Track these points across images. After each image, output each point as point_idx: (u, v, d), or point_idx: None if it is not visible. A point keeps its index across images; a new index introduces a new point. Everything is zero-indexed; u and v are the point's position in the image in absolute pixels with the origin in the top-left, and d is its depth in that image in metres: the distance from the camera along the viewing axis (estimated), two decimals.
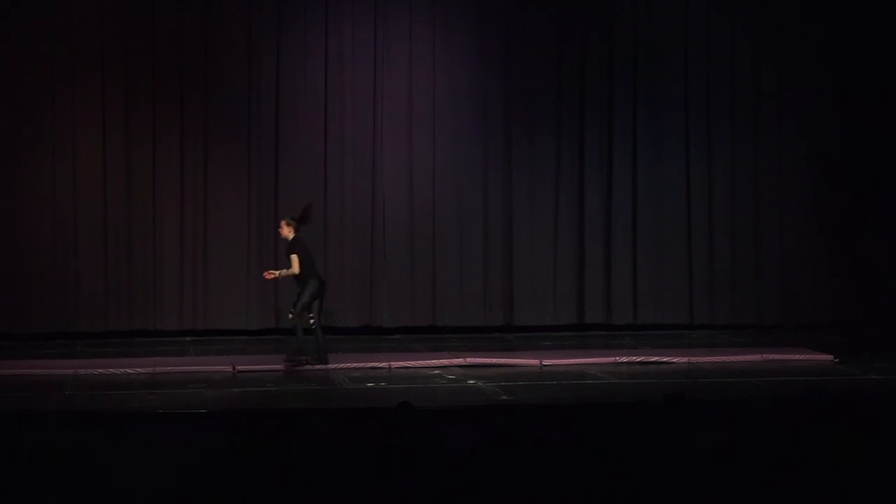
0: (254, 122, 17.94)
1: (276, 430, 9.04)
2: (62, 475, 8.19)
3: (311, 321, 15.21)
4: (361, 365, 15.47)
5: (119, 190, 17.67)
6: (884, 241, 18.71)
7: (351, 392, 14.12)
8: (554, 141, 18.54)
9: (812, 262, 18.88)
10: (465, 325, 18.29)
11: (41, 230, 17.52)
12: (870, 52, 18.77)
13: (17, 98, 17.42)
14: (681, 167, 18.76)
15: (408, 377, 14.94)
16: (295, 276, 15.11)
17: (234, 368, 15.20)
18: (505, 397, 13.69)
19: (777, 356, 16.08)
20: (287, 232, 15.25)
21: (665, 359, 16.01)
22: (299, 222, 15.22)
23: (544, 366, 15.61)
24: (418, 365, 15.57)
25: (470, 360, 15.68)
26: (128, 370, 15.11)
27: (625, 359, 15.99)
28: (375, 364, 15.54)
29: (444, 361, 15.64)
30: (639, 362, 15.94)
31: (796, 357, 16.12)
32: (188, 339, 17.66)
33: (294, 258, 15.06)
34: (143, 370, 15.15)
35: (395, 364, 15.55)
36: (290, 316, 15.21)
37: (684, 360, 15.98)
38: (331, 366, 15.27)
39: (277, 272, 15.38)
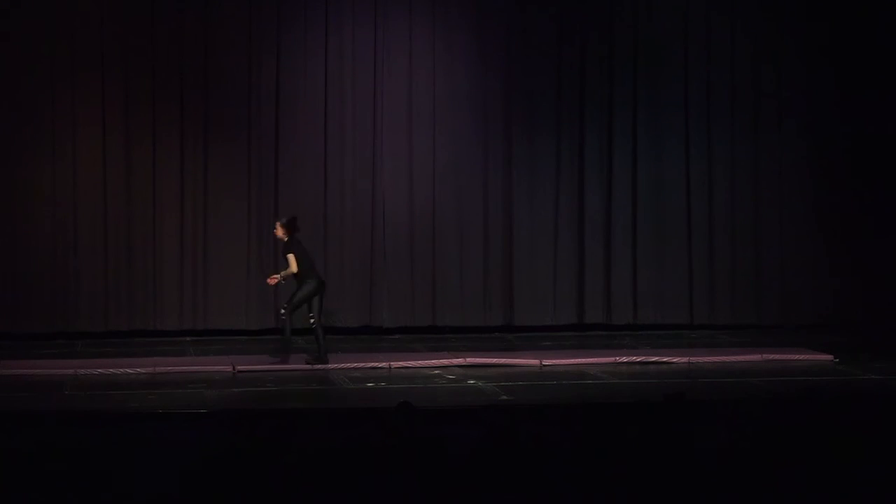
0: (254, 122, 17.94)
1: (276, 430, 9.04)
2: (62, 475, 8.18)
3: (312, 321, 15.23)
4: (361, 365, 15.47)
5: (119, 190, 17.67)
6: (884, 241, 18.71)
7: (351, 392, 14.12)
8: (554, 141, 18.54)
9: (812, 262, 18.88)
10: (465, 325, 18.29)
11: (41, 230, 17.52)
12: (870, 52, 18.77)
13: (17, 98, 17.42)
14: (681, 167, 18.76)
15: (408, 377, 14.95)
16: (294, 274, 15.14)
17: (234, 368, 15.20)
18: (505, 397, 13.69)
19: (777, 356, 16.08)
20: (282, 233, 15.31)
21: (665, 359, 16.01)
22: (290, 228, 15.31)
23: (544, 366, 15.61)
24: (418, 365, 15.57)
25: (470, 360, 15.68)
26: (128, 370, 15.11)
27: (625, 359, 15.99)
28: (375, 364, 15.54)
29: (444, 361, 15.64)
30: (639, 362, 15.94)
31: (796, 357, 16.12)
32: (188, 339, 17.66)
33: (291, 257, 15.12)
34: (143, 370, 15.15)
35: (395, 364, 15.56)
36: (282, 311, 15.27)
37: (684, 360, 15.98)
38: (331, 366, 15.28)
39: (279, 276, 15.40)
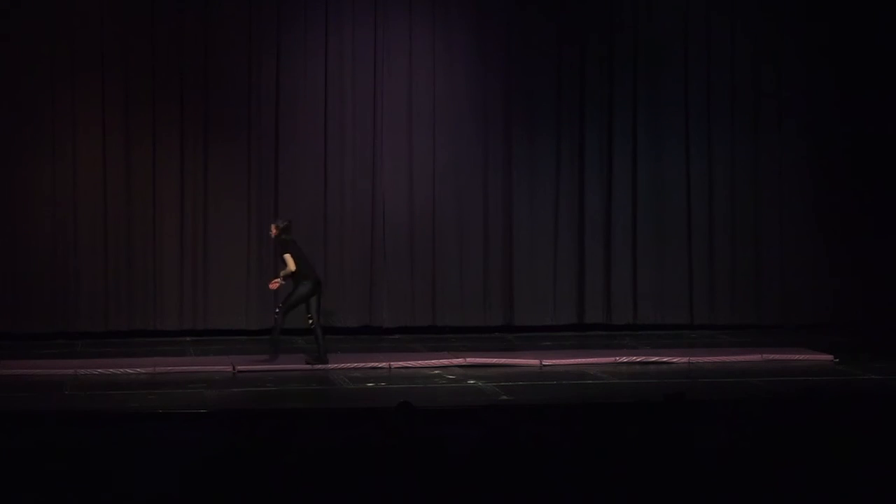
0: (254, 122, 17.94)
1: (276, 430, 9.04)
2: (62, 475, 8.18)
3: (310, 321, 15.25)
4: (361, 365, 15.47)
5: (119, 190, 17.67)
6: (884, 241, 18.71)
7: (351, 392, 14.12)
8: (554, 141, 18.54)
9: (812, 262, 18.89)
10: (465, 325, 18.29)
11: (41, 230, 17.52)
12: (870, 52, 18.77)
13: (17, 98, 17.42)
14: (681, 167, 18.76)
15: (408, 377, 14.95)
16: (291, 273, 15.16)
17: (234, 368, 15.20)
18: (505, 397, 13.69)
19: (777, 356, 16.08)
20: (276, 235, 15.36)
21: (665, 359, 16.01)
22: (285, 231, 15.36)
23: (544, 366, 15.61)
24: (418, 365, 15.57)
25: (470, 360, 15.68)
26: (128, 370, 15.11)
27: (625, 359, 15.99)
28: (375, 364, 15.54)
29: (444, 361, 15.64)
30: (639, 362, 15.94)
31: (796, 357, 16.12)
32: (188, 339, 17.67)
33: (287, 257, 15.18)
34: (143, 370, 15.15)
35: (395, 364, 15.56)
36: (277, 311, 15.30)
37: (684, 360, 15.98)
38: (331, 366, 15.28)
39: (279, 278, 15.40)
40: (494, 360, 15.85)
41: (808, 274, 18.87)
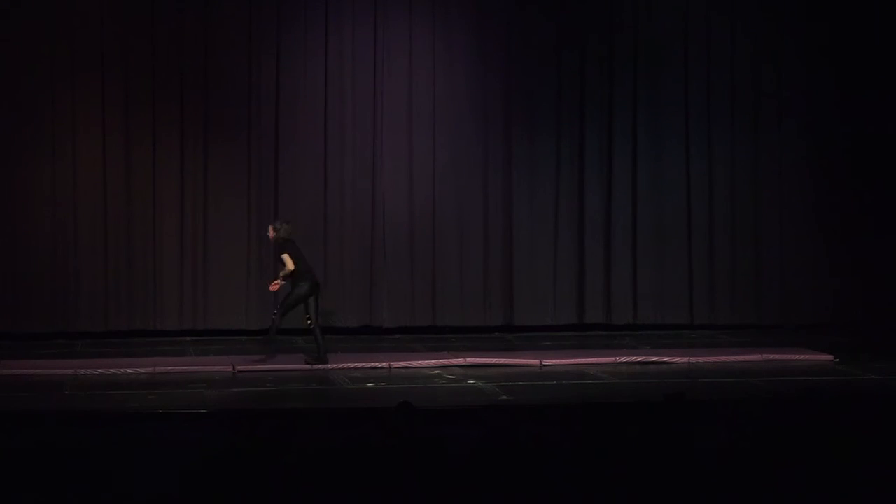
0: (254, 122, 17.94)
1: (276, 430, 9.03)
2: (62, 475, 8.18)
3: (308, 322, 15.25)
4: (361, 365, 15.47)
5: (119, 190, 17.67)
6: (884, 241, 18.71)
7: (351, 392, 14.12)
8: (554, 141, 18.54)
9: (812, 262, 18.89)
10: (465, 325, 18.29)
11: (41, 230, 17.52)
12: (870, 52, 18.77)
13: (17, 98, 17.42)
14: (681, 167, 18.76)
15: (408, 377, 14.95)
16: (290, 273, 15.16)
17: (234, 368, 15.20)
18: (505, 397, 13.69)
19: (777, 356, 16.08)
20: (274, 236, 15.37)
21: (665, 359, 16.01)
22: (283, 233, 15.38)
23: (544, 366, 15.61)
24: (418, 365, 15.57)
25: (470, 360, 15.68)
26: (128, 370, 15.11)
27: (625, 359, 15.99)
28: (375, 364, 15.54)
29: (444, 361, 15.64)
30: (639, 362, 15.94)
31: (796, 357, 16.12)
32: (188, 339, 17.67)
33: (286, 257, 15.19)
34: (143, 370, 15.15)
35: (395, 364, 15.56)
36: (274, 312, 15.31)
37: (684, 360, 15.98)
38: (331, 366, 15.29)
39: (279, 280, 15.40)
40: (494, 360, 15.85)
41: (808, 274, 18.87)
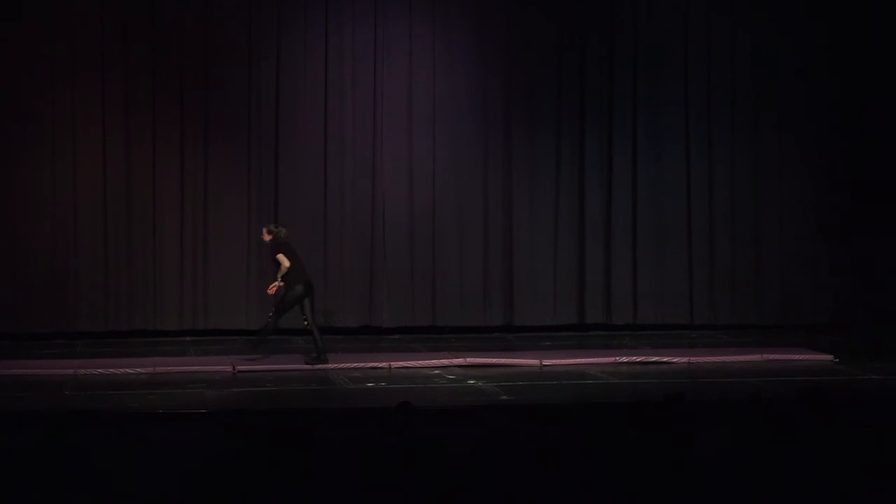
0: (254, 122, 17.94)
1: (276, 430, 9.03)
2: (62, 475, 8.18)
3: (305, 323, 15.27)
4: (361, 365, 15.47)
5: (119, 190, 17.67)
6: (884, 241, 18.71)
7: (351, 392, 14.12)
8: (554, 141, 18.54)
9: (812, 262, 18.88)
10: (465, 325, 18.29)
11: (41, 230, 17.52)
12: (870, 52, 18.77)
13: (17, 98, 17.42)
14: (681, 167, 18.76)
15: (408, 377, 14.94)
16: (286, 273, 15.15)
17: (234, 368, 15.20)
18: (505, 397, 13.69)
19: (777, 356, 16.08)
20: (269, 238, 15.39)
21: (665, 359, 16.01)
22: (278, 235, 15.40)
23: (544, 366, 15.61)
24: (418, 365, 15.57)
25: (470, 360, 15.68)
26: (128, 370, 15.11)
27: (625, 359, 15.99)
28: (375, 364, 15.54)
29: (444, 361, 15.64)
30: (639, 362, 15.94)
31: (796, 357, 16.12)
32: (188, 339, 17.67)
33: (281, 256, 15.21)
34: (143, 370, 15.15)
35: (395, 364, 15.55)
36: (270, 315, 15.31)
37: (684, 360, 15.98)
38: (331, 366, 15.29)
39: (277, 282, 15.39)
40: (494, 360, 15.85)
41: (808, 274, 18.87)
